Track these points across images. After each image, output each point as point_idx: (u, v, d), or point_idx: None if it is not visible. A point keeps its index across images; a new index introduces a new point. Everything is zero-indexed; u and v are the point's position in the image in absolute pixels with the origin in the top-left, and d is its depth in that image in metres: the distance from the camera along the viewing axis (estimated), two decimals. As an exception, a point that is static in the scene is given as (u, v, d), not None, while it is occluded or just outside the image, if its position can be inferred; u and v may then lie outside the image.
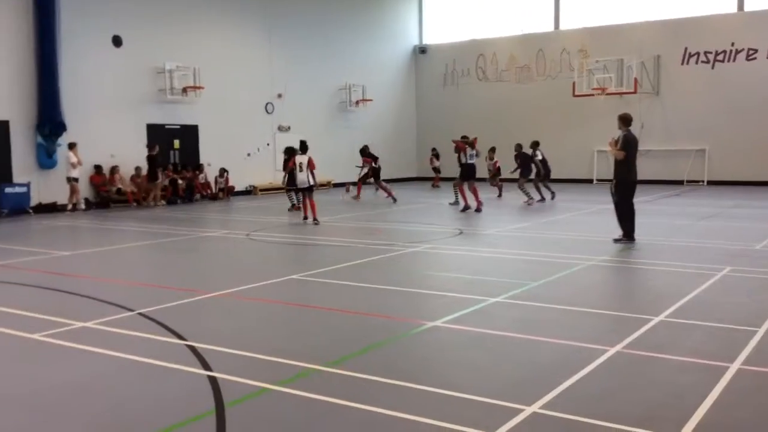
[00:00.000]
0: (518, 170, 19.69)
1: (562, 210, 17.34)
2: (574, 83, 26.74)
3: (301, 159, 15.37)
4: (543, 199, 19.48)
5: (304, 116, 26.05)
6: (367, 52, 29.23)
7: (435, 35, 32.11)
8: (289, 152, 17.13)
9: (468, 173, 17.13)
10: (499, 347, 5.98)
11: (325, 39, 27.03)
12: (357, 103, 28.38)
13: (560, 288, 8.32)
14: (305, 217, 15.51)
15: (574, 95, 26.86)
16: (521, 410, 4.45)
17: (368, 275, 9.23)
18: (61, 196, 18.86)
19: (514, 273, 9.22)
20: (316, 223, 14.99)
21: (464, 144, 17.46)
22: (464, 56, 30.80)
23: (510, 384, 5.02)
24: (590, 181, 27.55)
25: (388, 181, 21.79)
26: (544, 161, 20.01)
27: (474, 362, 5.56)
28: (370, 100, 28.66)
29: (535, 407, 4.51)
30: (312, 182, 15.31)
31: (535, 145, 20.26)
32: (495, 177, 21.45)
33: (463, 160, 17.26)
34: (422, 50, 32.05)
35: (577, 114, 27.78)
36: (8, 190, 17.37)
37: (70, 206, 18.53)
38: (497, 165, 21.64)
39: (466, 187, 17.29)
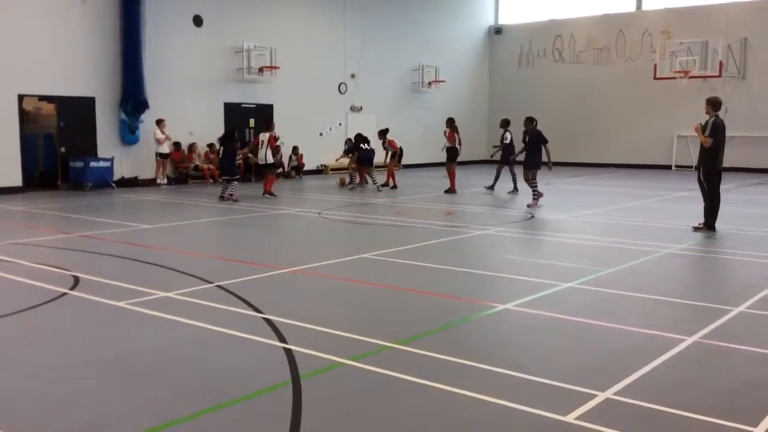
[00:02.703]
0: (523, 152, 15.70)
1: (639, 196, 16.91)
2: (655, 66, 25.85)
3: (262, 137, 16.41)
4: (492, 187, 17.87)
5: (376, 97, 26.15)
6: (441, 32, 29.01)
7: (511, 15, 31.56)
8: (358, 139, 18.78)
9: (455, 156, 17.84)
10: (571, 332, 5.93)
11: (400, 19, 26.97)
12: (429, 84, 28.24)
13: (636, 275, 8.15)
14: (264, 193, 16.45)
15: (655, 78, 25.97)
16: (594, 396, 4.42)
17: (440, 256, 9.26)
18: (142, 172, 19.58)
19: (587, 259, 9.07)
20: (268, 197, 16.20)
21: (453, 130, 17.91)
22: (541, 37, 30.19)
23: (583, 369, 4.98)
24: (669, 167, 26.70)
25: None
26: (511, 145, 17.92)
27: (545, 346, 5.54)
28: (443, 81, 28.48)
29: (608, 393, 4.47)
30: (270, 160, 16.40)
31: (505, 123, 18.44)
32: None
33: (449, 144, 17.83)
34: (497, 30, 31.58)
35: (657, 98, 26.89)
36: (93, 164, 18.12)
37: (158, 180, 19.36)
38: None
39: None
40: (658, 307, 6.72)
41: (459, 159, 18.12)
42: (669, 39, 26.19)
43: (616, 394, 4.47)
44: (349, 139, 21.05)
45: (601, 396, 4.43)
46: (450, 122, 18.10)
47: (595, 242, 10.39)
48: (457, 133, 17.90)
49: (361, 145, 18.79)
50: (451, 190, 17.54)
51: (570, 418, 4.10)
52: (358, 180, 19.37)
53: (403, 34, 27.14)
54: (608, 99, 28.20)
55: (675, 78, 25.21)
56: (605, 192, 18.20)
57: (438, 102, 28.39)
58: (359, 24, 25.48)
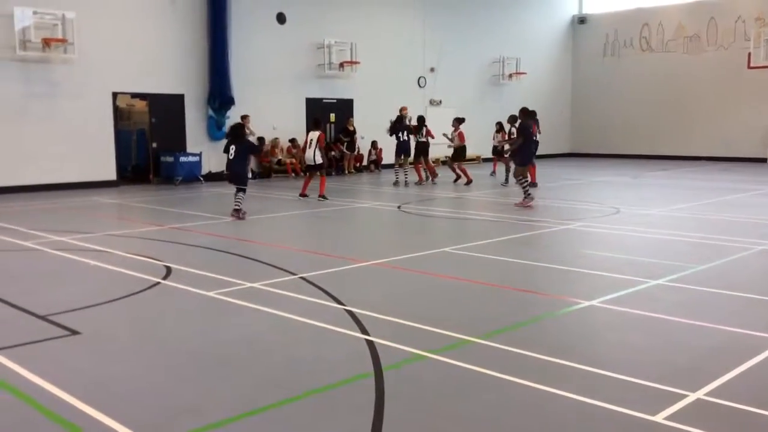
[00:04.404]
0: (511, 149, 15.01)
1: (731, 191, 16.19)
2: (749, 54, 24.68)
3: (312, 135, 14.68)
4: (427, 179, 17.99)
5: (456, 90, 26.01)
6: (522, 23, 28.57)
7: (595, 4, 30.73)
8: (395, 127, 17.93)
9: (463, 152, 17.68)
10: (660, 331, 5.75)
11: (480, 11, 26.71)
12: (510, 76, 27.87)
13: (729, 273, 7.82)
14: (303, 194, 15.02)
15: (749, 67, 24.80)
16: (684, 396, 4.28)
17: (521, 251, 9.16)
18: (228, 166, 20.14)
19: (677, 255, 8.76)
20: (323, 198, 14.63)
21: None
22: (627, 25, 29.27)
23: (672, 368, 4.83)
24: (762, 160, 25.43)
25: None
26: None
27: (633, 344, 5.40)
28: (524, 73, 28.04)
29: (699, 393, 4.32)
30: (319, 161, 14.58)
31: (459, 120, 18.23)
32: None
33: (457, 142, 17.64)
34: (581, 20, 30.82)
35: (750, 88, 25.65)
36: (182, 159, 18.81)
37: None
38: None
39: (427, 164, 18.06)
40: (752, 306, 6.44)
41: (539, 152, 17.80)
42: (765, 26, 24.90)
43: (707, 394, 4.32)
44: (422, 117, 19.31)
45: (692, 396, 4.28)
46: (458, 121, 18.17)
47: (685, 238, 10.02)
48: (538, 125, 17.62)
49: (399, 134, 17.90)
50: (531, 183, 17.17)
51: (659, 418, 3.99)
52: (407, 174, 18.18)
53: (483, 25, 26.87)
54: (698, 89, 27.10)
55: (771, 66, 24.00)
56: (695, 186, 17.51)
57: (519, 94, 27.92)
58: (439, 17, 25.38)
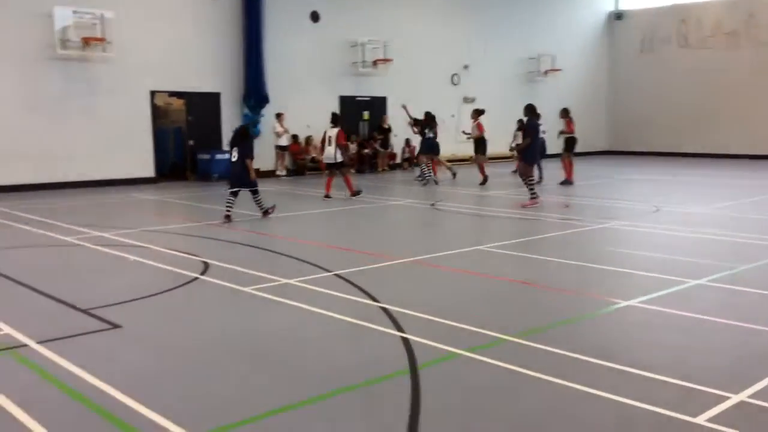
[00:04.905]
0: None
1: (773, 189, 15.83)
2: (791, 50, 24.07)
3: (330, 132, 14.41)
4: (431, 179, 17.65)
5: (490, 87, 25.80)
6: (558, 19, 28.26)
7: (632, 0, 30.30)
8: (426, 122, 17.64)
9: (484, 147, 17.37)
10: (701, 331, 5.65)
11: (515, 7, 26.47)
12: (545, 72, 27.59)
13: (771, 273, 7.65)
14: (327, 195, 14.52)
15: (791, 63, 24.19)
16: (727, 398, 4.20)
17: (558, 249, 9.07)
18: (263, 163, 20.30)
19: (719, 255, 8.58)
20: (356, 194, 14.37)
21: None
22: (664, 21, 28.76)
23: (714, 370, 4.74)
24: (807, 158, 24.83)
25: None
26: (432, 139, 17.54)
27: (673, 345, 5.31)
28: (560, 69, 27.74)
29: (742, 396, 4.24)
30: (339, 158, 14.27)
31: (431, 119, 17.93)
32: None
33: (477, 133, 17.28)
34: (618, 16, 30.38)
35: (792, 84, 25.04)
36: (218, 156, 19.00)
37: (278, 172, 20.06)
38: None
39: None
40: (797, 308, 6.29)
41: (576, 149, 17.66)
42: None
43: (751, 396, 4.23)
44: (417, 119, 18.89)
45: (735, 398, 4.20)
46: (565, 112, 17.66)
47: (726, 237, 9.82)
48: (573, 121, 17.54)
49: (425, 130, 17.76)
50: (567, 181, 17.14)
51: (700, 420, 3.92)
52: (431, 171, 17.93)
53: (518, 22, 26.64)
54: (737, 86, 26.50)
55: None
56: (736, 184, 17.16)
57: (554, 91, 27.62)
58: (473, 13, 25.25)
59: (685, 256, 8.50)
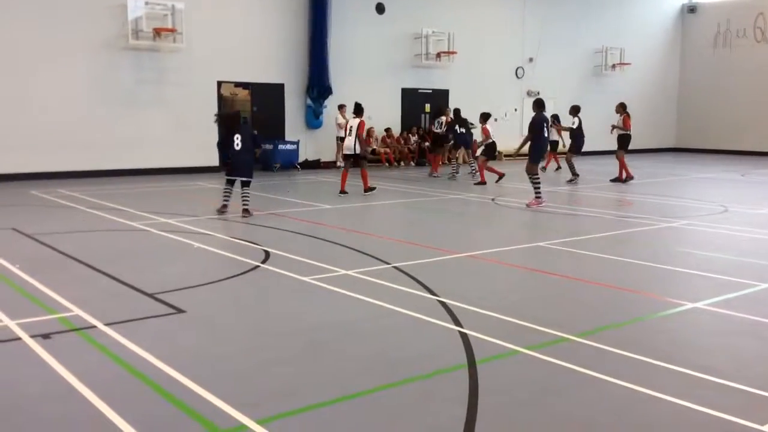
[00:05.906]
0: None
1: None
2: None
3: (352, 122, 13.94)
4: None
5: (555, 81, 25.36)
6: (627, 11, 27.55)
7: (707, -8, 29.30)
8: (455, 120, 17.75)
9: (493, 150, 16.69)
10: (770, 337, 5.45)
11: None
12: (613, 67, 26.95)
13: None
14: (342, 191, 13.97)
15: None
16: (797, 408, 4.05)
17: (620, 248, 8.87)
18: (324, 154, 20.55)
19: (790, 258, 8.26)
20: (371, 190, 14.03)
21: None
22: (740, 15, 27.69)
23: (784, 378, 4.57)
24: None
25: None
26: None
27: (740, 350, 5.14)
28: (628, 63, 27.05)
29: (814, 407, 4.07)
30: (358, 150, 13.76)
31: (461, 118, 18.05)
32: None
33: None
34: (691, 9, 29.41)
35: None
36: (281, 146, 19.29)
37: (339, 163, 20.21)
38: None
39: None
40: None
41: (631, 146, 17.34)
42: None
43: (823, 408, 4.07)
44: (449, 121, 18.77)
45: (806, 409, 4.04)
46: (623, 107, 17.51)
47: (800, 240, 9.43)
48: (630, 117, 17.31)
49: (456, 127, 17.86)
50: (618, 179, 16.72)
51: (766, 427, 3.79)
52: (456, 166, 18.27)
53: (585, 14, 26.08)
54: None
55: None
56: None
57: (622, 86, 26.97)
58: (539, 5, 24.83)
59: (754, 258, 8.20)
